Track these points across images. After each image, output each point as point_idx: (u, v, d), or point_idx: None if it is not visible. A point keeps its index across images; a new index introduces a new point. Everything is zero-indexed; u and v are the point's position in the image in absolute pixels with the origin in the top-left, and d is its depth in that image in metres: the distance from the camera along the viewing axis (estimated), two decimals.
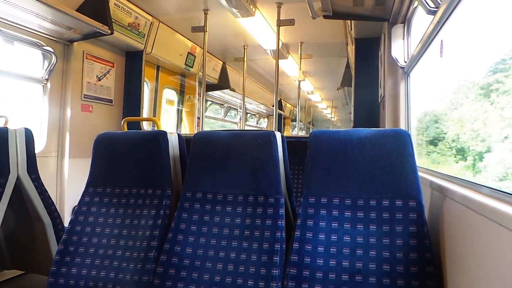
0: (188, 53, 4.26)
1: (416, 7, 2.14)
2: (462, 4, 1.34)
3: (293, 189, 1.75)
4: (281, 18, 3.25)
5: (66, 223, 1.85)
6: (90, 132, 2.97)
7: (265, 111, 8.58)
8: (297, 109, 5.10)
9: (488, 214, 0.80)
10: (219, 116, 6.86)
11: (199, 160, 1.64)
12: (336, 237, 1.34)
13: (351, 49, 3.56)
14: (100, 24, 2.66)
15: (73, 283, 1.55)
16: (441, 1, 1.46)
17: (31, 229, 2.07)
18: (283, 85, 6.62)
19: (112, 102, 3.33)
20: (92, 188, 1.78)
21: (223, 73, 5.23)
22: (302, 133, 9.13)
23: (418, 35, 1.96)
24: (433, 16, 1.54)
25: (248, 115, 8.41)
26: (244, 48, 4.56)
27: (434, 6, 1.51)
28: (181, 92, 4.77)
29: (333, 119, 12.58)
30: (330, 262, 1.30)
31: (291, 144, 1.93)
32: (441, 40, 1.55)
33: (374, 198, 1.37)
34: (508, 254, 0.69)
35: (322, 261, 1.31)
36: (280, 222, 1.45)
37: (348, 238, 1.33)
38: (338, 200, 1.40)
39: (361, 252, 1.29)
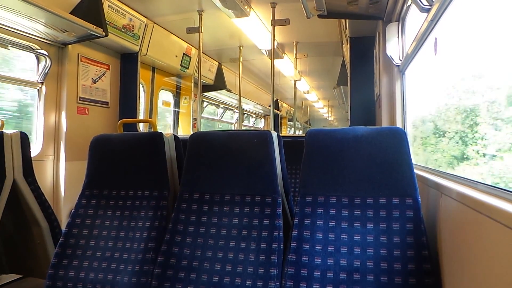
0: (184, 54, 4.25)
1: (409, 5, 2.15)
2: (455, 1, 1.35)
3: (290, 189, 1.75)
4: (275, 18, 3.26)
5: (63, 226, 1.84)
6: (86, 135, 2.96)
7: (262, 111, 8.58)
8: (293, 109, 5.10)
9: (484, 210, 0.80)
10: (215, 117, 6.85)
11: (195, 160, 1.64)
12: (333, 236, 1.35)
13: (346, 48, 3.57)
14: (95, 26, 2.65)
15: (71, 286, 1.54)
16: None
17: (29, 233, 2.06)
18: (279, 85, 6.62)
19: (108, 105, 3.32)
20: (89, 191, 1.77)
21: (219, 73, 5.22)
22: (299, 133, 9.13)
23: (413, 33, 1.97)
24: (426, 14, 1.55)
25: (245, 115, 8.41)
26: (240, 49, 4.56)
27: (427, 4, 1.52)
28: (177, 93, 4.76)
29: (330, 118, 12.60)
30: (328, 260, 1.30)
31: (288, 143, 1.93)
32: (435, 38, 1.55)
33: (371, 196, 1.37)
34: (504, 250, 0.70)
35: (320, 260, 1.31)
36: (277, 222, 1.45)
37: (346, 237, 1.33)
38: (335, 199, 1.41)
39: (359, 250, 1.30)
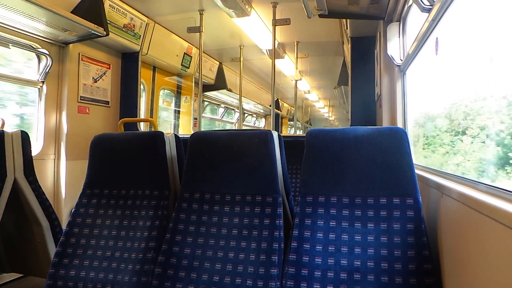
0: (184, 53, 4.25)
1: (411, 5, 2.14)
2: (457, 1, 1.35)
3: (291, 188, 1.75)
4: (276, 18, 3.26)
5: (64, 225, 1.85)
6: (87, 134, 2.96)
7: (262, 111, 8.58)
8: (294, 109, 5.10)
9: (485, 210, 0.80)
10: (216, 116, 6.86)
11: (196, 160, 1.64)
12: (334, 236, 1.35)
13: (347, 48, 3.57)
14: (95, 25, 2.65)
15: (72, 285, 1.55)
16: None
17: (29, 232, 2.07)
18: (280, 84, 6.62)
19: (108, 104, 3.32)
20: (90, 190, 1.78)
21: (220, 73, 5.22)
22: (300, 133, 9.14)
23: (414, 33, 1.96)
24: (427, 14, 1.55)
25: (246, 115, 8.41)
26: (240, 48, 4.56)
27: (428, 4, 1.51)
28: (178, 93, 4.76)
29: (330, 118, 12.60)
30: (329, 260, 1.30)
31: (289, 143, 1.93)
32: (436, 38, 1.55)
33: (372, 196, 1.37)
34: (505, 250, 0.70)
35: (320, 260, 1.31)
36: (278, 221, 1.45)
37: (346, 237, 1.33)
38: (335, 199, 1.41)
39: (359, 250, 1.30)
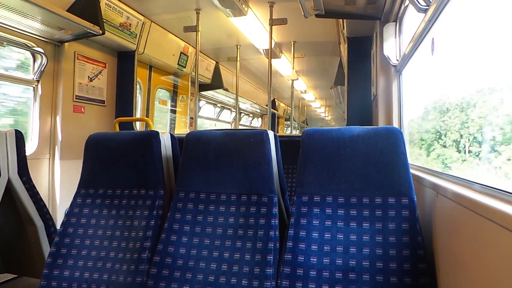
0: (181, 53, 4.24)
1: (407, 6, 2.15)
2: (453, 2, 1.35)
3: (287, 188, 1.75)
4: (273, 18, 3.26)
5: (58, 226, 1.84)
6: (82, 133, 2.94)
7: (259, 111, 8.58)
8: (291, 109, 5.11)
9: (479, 210, 0.80)
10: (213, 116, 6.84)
11: (191, 159, 1.63)
12: (329, 235, 1.35)
13: (344, 48, 3.57)
14: (91, 24, 2.63)
15: (66, 285, 1.53)
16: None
17: (23, 232, 2.05)
18: (277, 84, 6.62)
19: (104, 103, 3.31)
20: (84, 190, 1.76)
21: (216, 72, 5.22)
22: (296, 132, 9.14)
23: (410, 33, 1.97)
24: (424, 14, 1.55)
25: (242, 114, 8.41)
26: (237, 48, 4.56)
27: (425, 4, 1.52)
28: (174, 92, 4.75)
29: (327, 118, 12.62)
30: (324, 260, 1.30)
31: (284, 143, 1.93)
32: (432, 38, 1.55)
33: (367, 196, 1.37)
34: (499, 250, 0.70)
35: (315, 260, 1.31)
36: (273, 221, 1.45)
37: (342, 236, 1.33)
38: (331, 198, 1.41)
39: (355, 250, 1.30)
